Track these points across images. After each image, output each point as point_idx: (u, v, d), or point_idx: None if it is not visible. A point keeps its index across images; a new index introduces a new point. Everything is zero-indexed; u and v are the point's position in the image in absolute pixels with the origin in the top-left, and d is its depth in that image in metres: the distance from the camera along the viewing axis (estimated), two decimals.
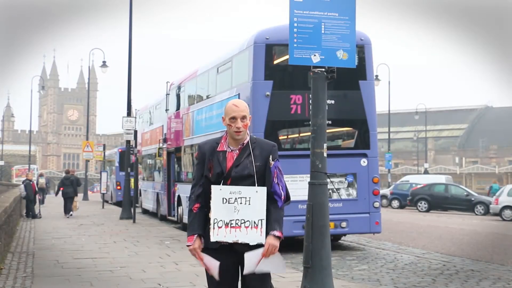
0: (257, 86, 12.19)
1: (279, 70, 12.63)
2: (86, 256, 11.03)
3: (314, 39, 6.82)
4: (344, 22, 6.94)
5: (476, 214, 28.71)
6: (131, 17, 21.67)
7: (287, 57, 10.46)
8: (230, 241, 3.81)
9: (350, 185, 12.51)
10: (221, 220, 3.81)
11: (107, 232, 15.93)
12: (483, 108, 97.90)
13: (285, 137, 12.82)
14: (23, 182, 22.88)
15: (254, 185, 3.84)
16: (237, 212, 3.80)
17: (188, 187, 18.21)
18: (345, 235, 13.99)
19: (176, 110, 18.65)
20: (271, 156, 3.94)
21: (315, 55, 6.83)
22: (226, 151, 3.94)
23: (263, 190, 3.83)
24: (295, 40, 6.77)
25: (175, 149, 18.61)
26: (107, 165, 35.45)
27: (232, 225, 3.80)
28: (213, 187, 3.84)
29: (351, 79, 12.30)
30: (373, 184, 12.53)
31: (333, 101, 11.97)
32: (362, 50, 12.59)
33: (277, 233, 3.83)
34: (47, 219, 20.92)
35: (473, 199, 29.72)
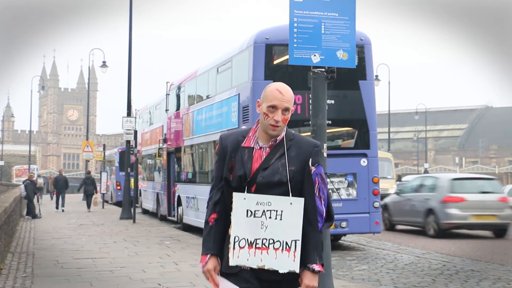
0: (257, 86, 12.20)
1: (279, 70, 12.63)
2: (86, 256, 11.03)
3: (314, 39, 6.82)
4: (344, 22, 6.93)
5: None
6: (131, 17, 21.67)
7: (287, 57, 10.47)
8: (254, 266, 2.95)
9: (350, 185, 12.51)
10: (243, 239, 2.95)
11: (107, 232, 15.92)
12: (483, 108, 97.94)
13: None
14: (23, 182, 22.96)
15: (288, 195, 2.96)
16: (265, 229, 2.95)
17: (188, 187, 18.31)
18: (345, 235, 14.00)
19: (176, 110, 18.66)
20: (311, 159, 3.02)
21: (315, 55, 6.83)
22: (253, 148, 3.05)
23: (299, 203, 2.95)
24: (295, 40, 6.77)
25: (175, 149, 18.62)
26: (107, 165, 35.46)
27: (257, 246, 2.94)
28: (236, 195, 2.97)
29: (351, 79, 12.30)
30: (373, 184, 12.54)
31: (333, 101, 11.98)
32: (362, 50, 12.60)
33: (317, 267, 2.98)
34: (47, 219, 20.93)
35: None
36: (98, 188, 27.47)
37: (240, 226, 2.97)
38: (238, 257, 2.96)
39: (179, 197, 17.96)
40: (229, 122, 13.61)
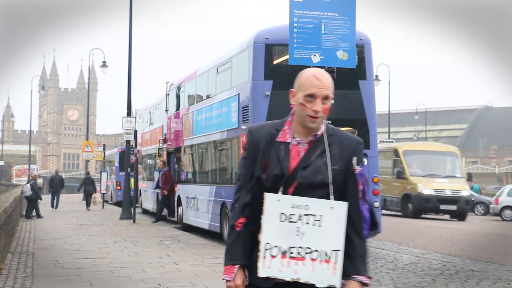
0: (257, 86, 12.20)
1: (279, 70, 12.63)
2: (86, 256, 11.03)
3: (314, 39, 6.83)
4: (344, 22, 6.95)
5: (476, 214, 28.72)
6: (131, 17, 21.67)
7: (287, 57, 10.48)
8: (288, 278, 2.56)
9: None
10: (276, 247, 2.56)
11: (107, 232, 15.92)
12: (483, 108, 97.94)
13: None
14: (28, 181, 23.03)
15: (327, 198, 2.60)
16: (301, 236, 2.56)
17: (188, 187, 18.31)
18: None
19: (176, 110, 18.66)
20: (355, 158, 2.67)
21: (315, 55, 6.84)
22: (289, 143, 2.67)
23: (342, 207, 2.58)
24: (295, 40, 6.77)
25: (175, 149, 18.62)
26: (107, 165, 35.46)
27: (292, 255, 2.55)
28: (268, 196, 2.59)
29: (351, 79, 12.29)
30: (373, 184, 12.53)
31: (333, 101, 11.96)
32: (362, 50, 12.58)
33: (364, 279, 2.69)
34: (47, 219, 20.93)
35: (473, 199, 29.71)
36: (98, 188, 27.73)
37: (272, 232, 2.56)
38: (269, 268, 2.56)
39: (179, 197, 17.96)
40: (229, 122, 13.61)
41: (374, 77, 15.87)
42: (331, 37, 6.86)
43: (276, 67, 12.62)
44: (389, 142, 29.92)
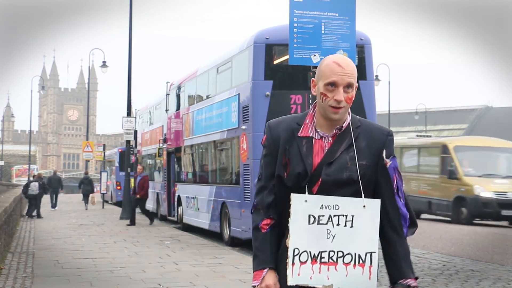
0: (257, 86, 12.20)
1: (279, 70, 12.63)
2: (86, 256, 11.03)
3: (314, 39, 6.83)
4: (344, 22, 6.94)
5: None
6: (131, 17, 21.67)
7: (287, 57, 10.48)
8: (320, 286, 2.36)
9: None
10: (305, 252, 2.36)
11: (107, 232, 15.93)
12: (483, 108, 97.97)
13: None
14: (35, 180, 23.15)
15: (360, 196, 2.39)
16: (332, 238, 2.37)
17: (188, 187, 18.32)
18: None
19: (176, 110, 18.66)
20: (385, 150, 2.45)
21: (315, 55, 6.84)
22: (312, 137, 2.46)
23: (375, 205, 2.38)
24: (295, 40, 6.77)
25: (175, 149, 18.63)
26: (107, 165, 35.47)
27: (323, 260, 2.37)
28: (294, 197, 2.39)
29: None
30: None
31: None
32: (362, 50, 12.59)
33: (412, 282, 2.45)
34: (47, 219, 20.93)
35: None
36: (98, 188, 27.95)
37: (300, 236, 2.37)
38: (298, 275, 2.36)
39: (179, 197, 17.96)
40: (229, 122, 13.61)
41: (374, 77, 15.88)
42: (331, 37, 6.86)
43: (276, 67, 12.62)
44: (427, 136, 26.84)
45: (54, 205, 26.66)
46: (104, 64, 34.62)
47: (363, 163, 2.41)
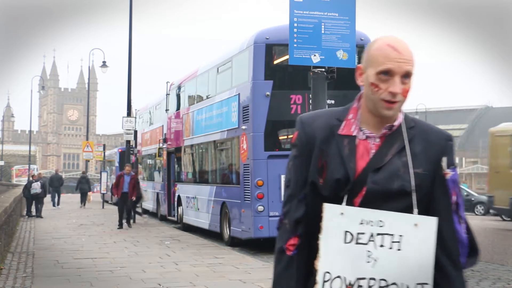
0: (257, 86, 12.20)
1: (279, 70, 12.64)
2: (86, 256, 11.03)
3: (314, 39, 6.83)
4: (344, 22, 6.94)
5: (476, 214, 28.71)
6: (131, 17, 21.66)
7: (287, 57, 10.48)
8: None
9: None
10: (338, 277, 1.87)
11: (107, 232, 15.93)
12: (483, 108, 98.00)
13: (285, 137, 12.82)
14: (37, 180, 23.19)
15: (409, 212, 1.91)
16: (374, 263, 1.86)
17: (188, 187, 18.33)
18: None
19: (176, 110, 18.67)
20: (445, 158, 1.99)
21: (315, 55, 6.83)
22: (355, 137, 2.00)
23: (430, 225, 1.87)
24: (295, 40, 6.77)
25: (175, 149, 18.63)
26: (107, 165, 35.46)
27: None
28: (328, 207, 1.90)
29: (351, 79, 12.25)
30: None
31: (333, 101, 11.98)
32: (362, 50, 12.57)
33: None
34: (47, 219, 20.93)
35: (473, 199, 29.72)
36: (98, 188, 28.25)
37: (333, 257, 1.87)
38: None
39: (179, 197, 17.96)
40: (229, 122, 13.62)
41: None
42: (331, 37, 6.86)
43: (276, 67, 12.63)
44: None
45: (57, 203, 27.84)
46: (104, 64, 34.60)
47: (419, 171, 1.94)
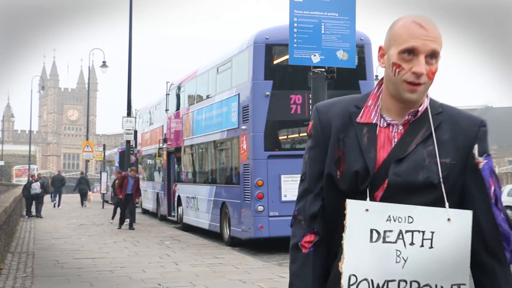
0: (257, 86, 12.20)
1: (279, 70, 12.64)
2: (86, 256, 11.04)
3: (314, 39, 6.82)
4: (344, 22, 6.94)
5: None
6: (131, 17, 21.67)
7: (287, 57, 10.48)
8: None
9: None
10: (365, 280, 1.68)
11: (107, 232, 15.93)
12: (483, 108, 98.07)
13: (285, 137, 12.83)
14: (37, 180, 23.23)
15: (443, 205, 1.71)
16: (403, 263, 1.67)
17: (188, 187, 18.37)
18: None
19: (176, 110, 18.67)
20: (477, 145, 1.79)
21: (315, 55, 6.83)
22: (376, 124, 1.80)
23: (465, 218, 1.70)
24: (295, 40, 6.77)
25: (175, 149, 18.63)
26: (107, 165, 35.47)
27: None
28: (351, 204, 1.71)
29: (351, 79, 12.30)
30: None
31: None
32: (362, 50, 12.60)
33: None
34: (47, 219, 20.93)
35: None
36: (98, 188, 28.32)
37: (359, 258, 1.69)
38: None
39: (179, 197, 17.96)
40: (229, 122, 13.62)
41: (374, 77, 15.88)
42: (331, 37, 6.86)
43: (276, 67, 12.63)
44: None
45: (58, 204, 28.12)
46: (104, 64, 34.60)
47: (447, 161, 1.75)
